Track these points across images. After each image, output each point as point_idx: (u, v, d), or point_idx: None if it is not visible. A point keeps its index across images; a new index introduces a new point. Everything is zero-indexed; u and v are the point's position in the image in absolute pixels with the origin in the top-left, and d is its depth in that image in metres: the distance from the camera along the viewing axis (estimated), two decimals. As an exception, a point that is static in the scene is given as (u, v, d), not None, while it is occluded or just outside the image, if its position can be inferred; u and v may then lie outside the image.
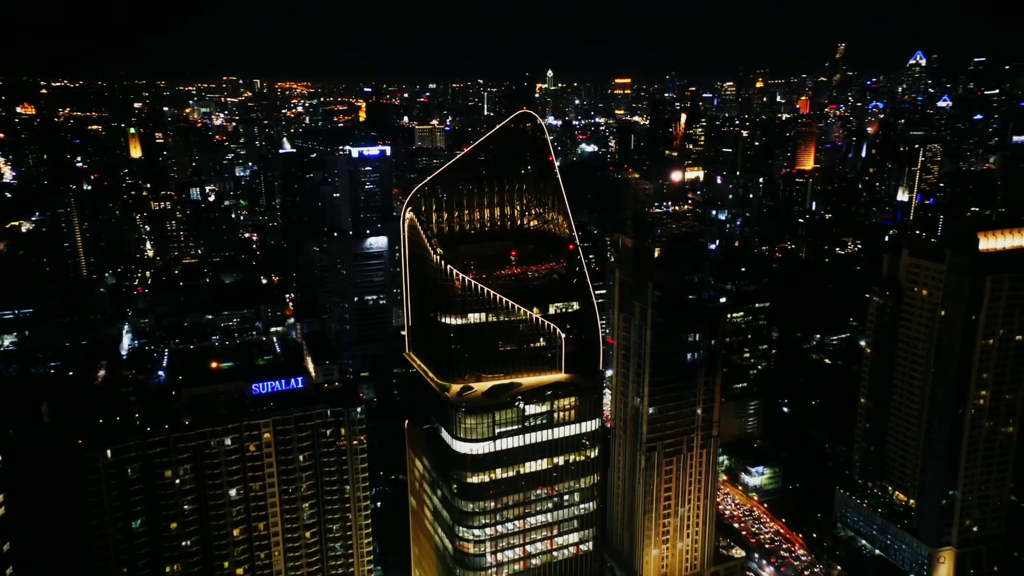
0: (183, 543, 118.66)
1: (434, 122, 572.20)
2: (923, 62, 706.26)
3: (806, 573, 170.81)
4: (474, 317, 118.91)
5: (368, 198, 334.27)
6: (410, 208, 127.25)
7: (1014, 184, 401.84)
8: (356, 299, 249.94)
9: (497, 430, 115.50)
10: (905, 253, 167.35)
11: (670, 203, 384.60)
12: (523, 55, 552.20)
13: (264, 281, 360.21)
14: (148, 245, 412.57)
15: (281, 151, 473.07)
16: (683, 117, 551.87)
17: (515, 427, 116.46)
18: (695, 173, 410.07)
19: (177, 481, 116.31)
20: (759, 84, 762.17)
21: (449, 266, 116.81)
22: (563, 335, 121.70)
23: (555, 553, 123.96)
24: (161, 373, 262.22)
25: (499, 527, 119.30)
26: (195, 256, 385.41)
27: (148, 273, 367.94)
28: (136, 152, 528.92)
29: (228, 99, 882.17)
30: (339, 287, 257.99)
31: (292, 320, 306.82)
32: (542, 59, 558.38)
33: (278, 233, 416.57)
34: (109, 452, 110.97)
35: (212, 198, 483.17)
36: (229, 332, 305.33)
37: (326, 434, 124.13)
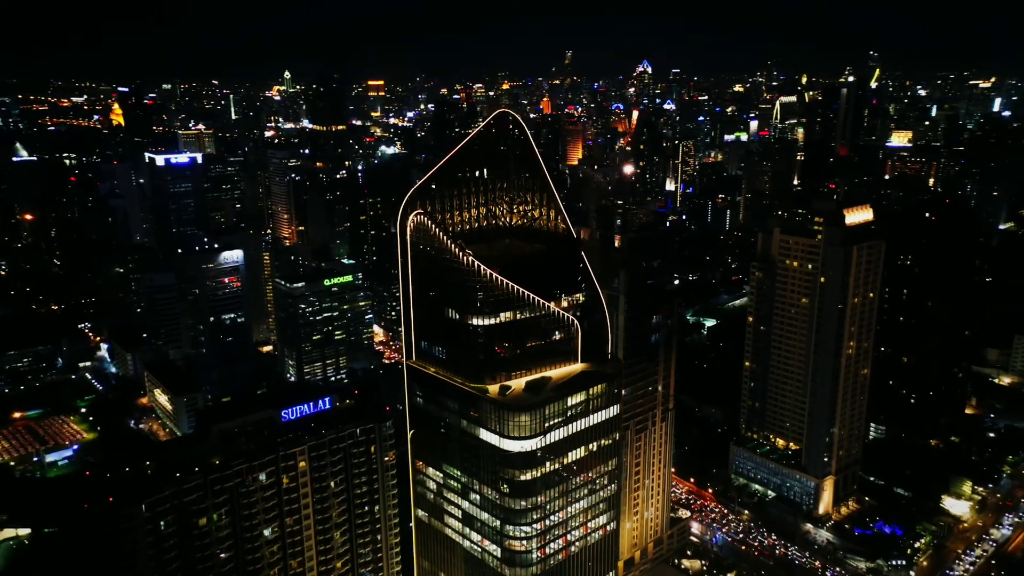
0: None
1: (200, 127, 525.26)
2: (650, 70, 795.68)
3: (723, 521, 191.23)
4: (504, 316, 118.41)
5: (181, 210, 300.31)
6: (414, 210, 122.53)
7: (752, 174, 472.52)
8: (212, 319, 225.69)
9: (546, 424, 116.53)
10: (776, 231, 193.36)
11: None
12: (328, 56, 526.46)
13: (42, 312, 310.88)
14: None
15: (16, 159, 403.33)
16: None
17: (560, 419, 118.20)
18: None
19: (213, 528, 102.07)
20: (505, 86, 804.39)
21: (482, 266, 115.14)
22: (579, 326, 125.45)
23: (588, 537, 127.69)
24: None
25: (546, 520, 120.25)
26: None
27: None
28: None
29: None
30: (190, 307, 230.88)
31: (103, 352, 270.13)
32: (344, 61, 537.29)
33: (36, 255, 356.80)
34: (144, 506, 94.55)
35: None
36: (19, 374, 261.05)
37: (357, 454, 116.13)
